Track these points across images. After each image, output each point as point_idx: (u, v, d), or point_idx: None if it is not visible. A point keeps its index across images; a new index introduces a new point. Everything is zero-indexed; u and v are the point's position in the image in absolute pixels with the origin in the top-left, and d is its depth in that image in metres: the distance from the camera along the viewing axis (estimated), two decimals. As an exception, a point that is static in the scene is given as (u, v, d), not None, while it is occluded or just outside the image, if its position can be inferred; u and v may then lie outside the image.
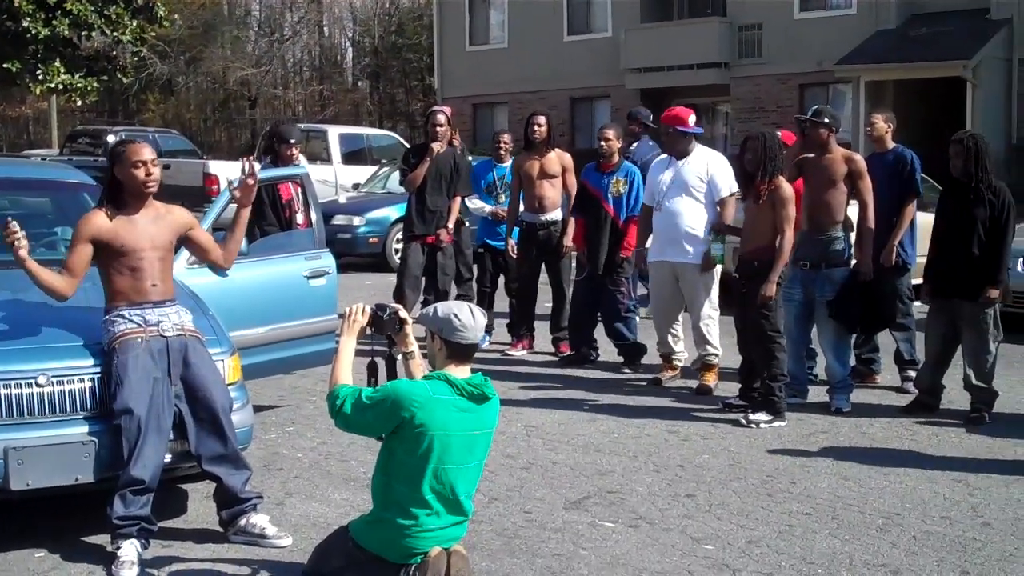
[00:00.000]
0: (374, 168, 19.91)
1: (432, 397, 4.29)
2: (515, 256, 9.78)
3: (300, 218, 9.70)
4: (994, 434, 7.28)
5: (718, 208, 8.27)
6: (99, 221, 5.24)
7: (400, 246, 11.68)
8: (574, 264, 9.70)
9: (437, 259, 9.66)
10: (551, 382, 8.75)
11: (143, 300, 5.21)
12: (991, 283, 7.38)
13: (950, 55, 23.17)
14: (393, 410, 4.28)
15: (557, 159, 9.63)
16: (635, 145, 10.75)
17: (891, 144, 8.46)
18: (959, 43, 23.50)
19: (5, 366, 4.93)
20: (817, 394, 8.07)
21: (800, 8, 26.91)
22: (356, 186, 19.69)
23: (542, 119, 9.64)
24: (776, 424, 7.40)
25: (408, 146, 16.05)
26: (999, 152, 24.29)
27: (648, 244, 8.72)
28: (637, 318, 9.31)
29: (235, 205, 5.69)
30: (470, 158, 10.62)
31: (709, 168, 8.33)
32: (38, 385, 4.92)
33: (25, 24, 26.13)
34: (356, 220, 16.38)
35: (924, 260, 7.89)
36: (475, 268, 10.33)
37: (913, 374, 8.29)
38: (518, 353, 9.78)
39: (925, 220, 8.25)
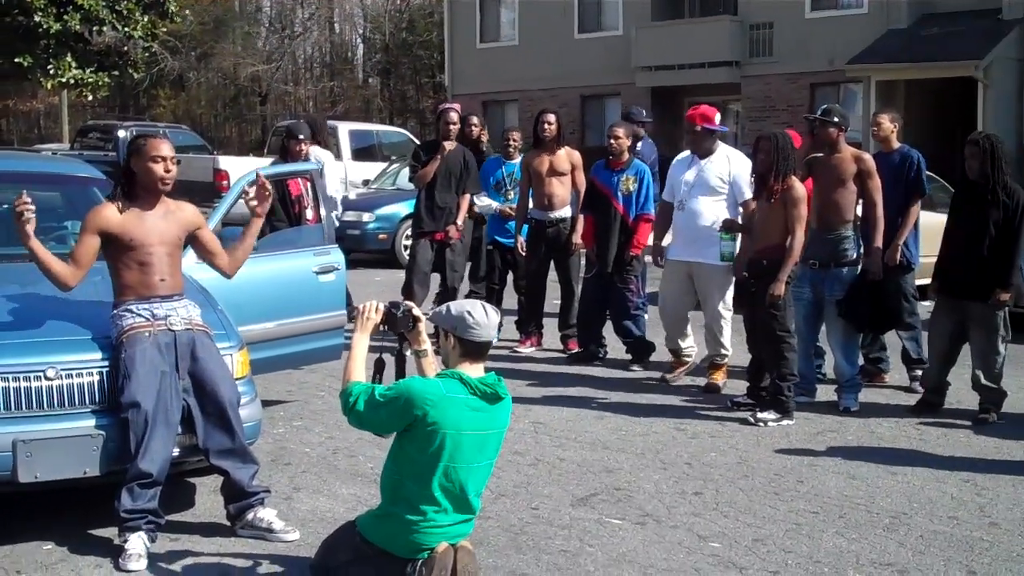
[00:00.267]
0: (384, 164, 19.93)
1: (445, 396, 4.29)
2: (524, 253, 9.78)
3: (309, 214, 9.74)
4: (1002, 434, 7.27)
5: (740, 209, 8.22)
6: (108, 214, 5.25)
7: (409, 242, 11.69)
8: (583, 262, 9.70)
9: (446, 256, 9.67)
10: (559, 379, 8.74)
11: (151, 294, 5.22)
12: (1002, 285, 7.37)
13: (962, 55, 23.09)
14: (406, 408, 4.28)
15: (566, 156, 9.63)
16: (640, 145, 10.72)
17: (897, 144, 8.45)
18: (971, 43, 23.42)
19: (14, 359, 4.95)
20: (825, 393, 8.07)
21: (811, 7, 26.82)
22: (366, 182, 19.70)
23: (552, 116, 9.64)
24: (784, 423, 7.40)
25: (418, 143, 16.06)
26: (1011, 152, 24.19)
27: (665, 242, 8.70)
28: (646, 316, 9.31)
29: (247, 211, 5.67)
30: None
31: (732, 168, 8.28)
32: (47, 378, 4.94)
33: (36, 19, 26.16)
34: (366, 216, 16.39)
35: (928, 260, 7.88)
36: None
37: (921, 373, 8.28)
38: (526, 350, 9.78)
39: (932, 220, 8.22)
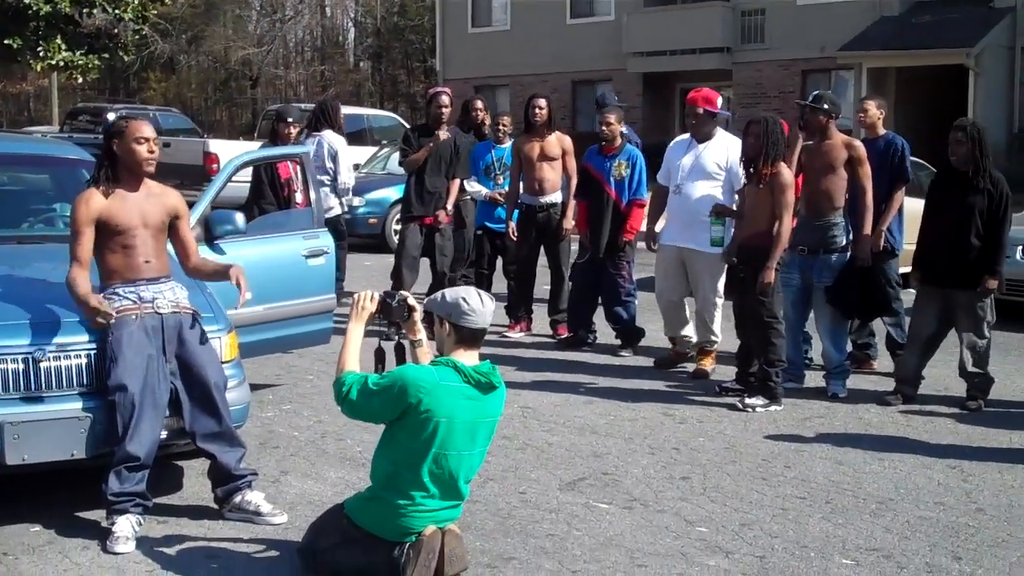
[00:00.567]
0: (374, 149, 19.89)
1: (439, 383, 4.30)
2: (515, 238, 9.78)
3: (299, 197, 9.73)
4: (989, 421, 7.29)
5: (736, 197, 8.19)
6: (96, 203, 5.16)
7: (399, 227, 11.68)
8: (573, 247, 9.69)
9: (435, 240, 9.66)
10: (548, 364, 8.75)
11: (137, 277, 5.19)
12: (990, 273, 7.39)
13: (953, 43, 23.13)
14: (400, 395, 4.28)
15: (557, 142, 9.62)
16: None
17: (882, 130, 8.49)
18: (962, 31, 23.46)
19: (1, 341, 4.93)
20: (813, 379, 8.08)
21: (803, -7, 26.88)
22: (356, 167, 19.63)
23: (542, 101, 9.63)
24: (772, 408, 7.42)
25: (408, 126, 16.04)
26: (1001, 140, 24.30)
27: (659, 226, 8.69)
28: (636, 301, 9.31)
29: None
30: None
31: (729, 155, 8.23)
32: (34, 360, 4.92)
33: (26, 1, 26.06)
34: (356, 201, 16.35)
35: (912, 247, 7.88)
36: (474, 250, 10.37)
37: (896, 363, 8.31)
38: (516, 335, 9.79)
39: (917, 207, 8.21)
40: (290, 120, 10.17)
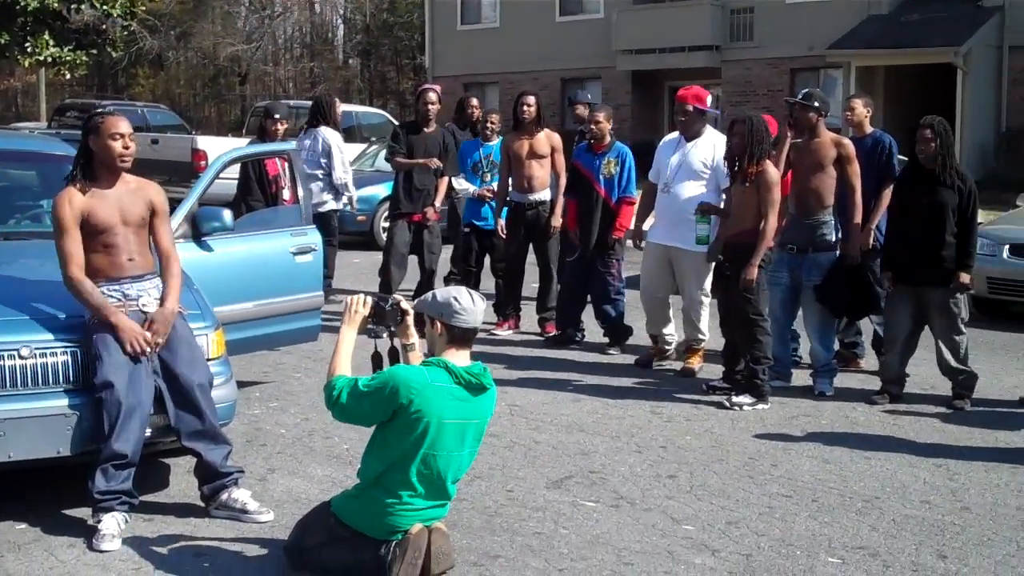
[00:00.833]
0: (363, 146, 19.86)
1: (429, 383, 4.30)
2: (504, 236, 9.77)
3: (287, 194, 9.72)
4: (975, 420, 7.31)
5: (723, 195, 8.18)
6: (77, 203, 5.11)
7: (388, 224, 11.67)
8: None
9: (423, 237, 9.66)
10: (536, 362, 8.75)
11: (121, 275, 5.17)
12: (964, 268, 7.41)
13: (941, 41, 23.17)
14: (392, 396, 4.28)
15: (546, 139, 9.61)
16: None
17: (870, 129, 8.50)
18: (950, 29, 23.50)
19: (-13, 338, 4.92)
20: (801, 377, 8.09)
21: (792, -8, 26.90)
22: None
23: (531, 99, 9.62)
24: (759, 407, 7.42)
25: (397, 124, 16.01)
26: (989, 139, 24.36)
27: (647, 225, 8.68)
28: (624, 300, 9.31)
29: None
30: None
31: (716, 153, 8.21)
32: (20, 357, 4.91)
33: (14, -4, 26.00)
34: (356, 195, 16.30)
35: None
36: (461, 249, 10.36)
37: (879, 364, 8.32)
38: (504, 333, 9.79)
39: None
40: (278, 116, 10.15)
